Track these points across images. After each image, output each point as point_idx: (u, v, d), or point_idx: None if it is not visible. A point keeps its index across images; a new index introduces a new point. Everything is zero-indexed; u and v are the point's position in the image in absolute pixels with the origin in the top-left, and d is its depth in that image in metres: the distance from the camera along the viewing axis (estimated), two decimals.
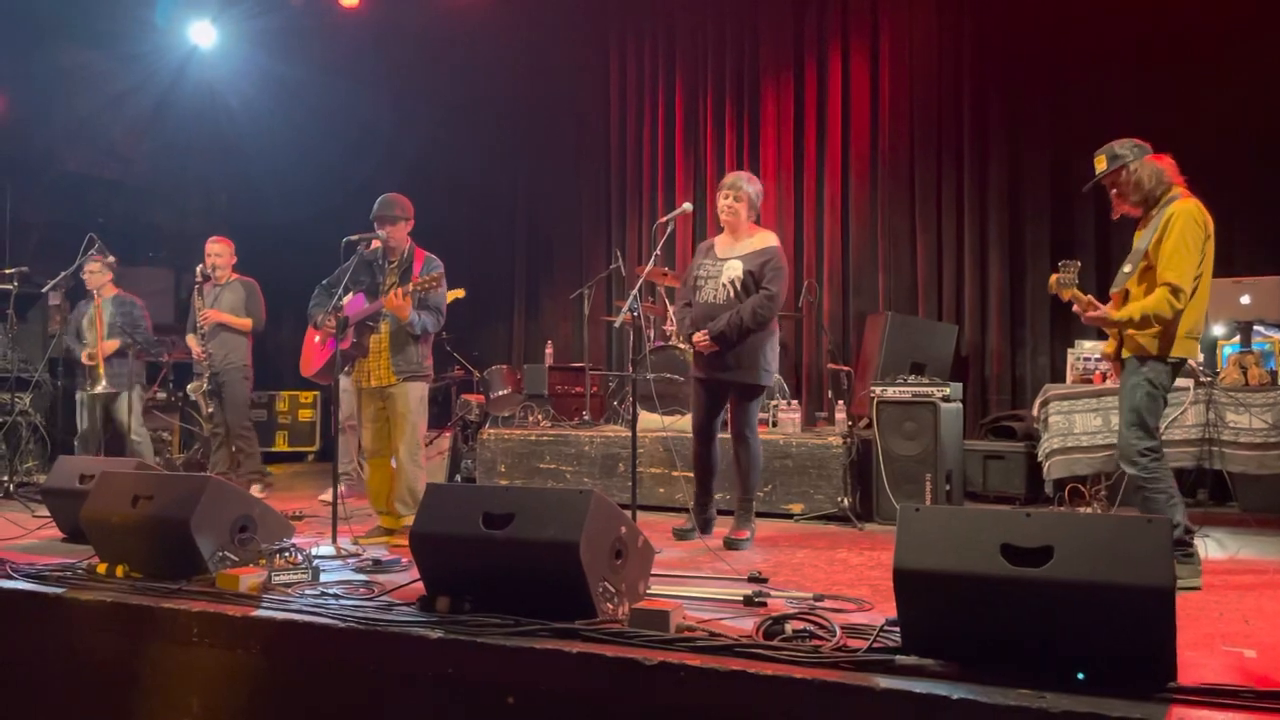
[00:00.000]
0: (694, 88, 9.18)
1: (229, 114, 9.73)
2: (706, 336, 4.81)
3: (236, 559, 3.82)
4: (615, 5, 9.52)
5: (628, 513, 3.71)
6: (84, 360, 7.00)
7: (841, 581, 4.01)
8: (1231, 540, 5.04)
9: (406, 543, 4.74)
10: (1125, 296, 4.05)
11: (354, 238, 4.99)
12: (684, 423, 6.43)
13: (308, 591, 3.59)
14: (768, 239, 4.97)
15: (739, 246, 4.95)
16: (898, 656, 2.66)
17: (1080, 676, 2.46)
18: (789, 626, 2.97)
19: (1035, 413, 5.73)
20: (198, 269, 6.97)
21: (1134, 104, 7.03)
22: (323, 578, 3.82)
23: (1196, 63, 6.89)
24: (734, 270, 4.84)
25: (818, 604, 3.44)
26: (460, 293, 6.73)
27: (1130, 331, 3.99)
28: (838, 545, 5.00)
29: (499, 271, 10.04)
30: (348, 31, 9.71)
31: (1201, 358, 5.22)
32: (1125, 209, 4.14)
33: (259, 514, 4.03)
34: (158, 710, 3.36)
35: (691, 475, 5.28)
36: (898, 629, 2.77)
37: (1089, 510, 5.40)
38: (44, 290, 7.05)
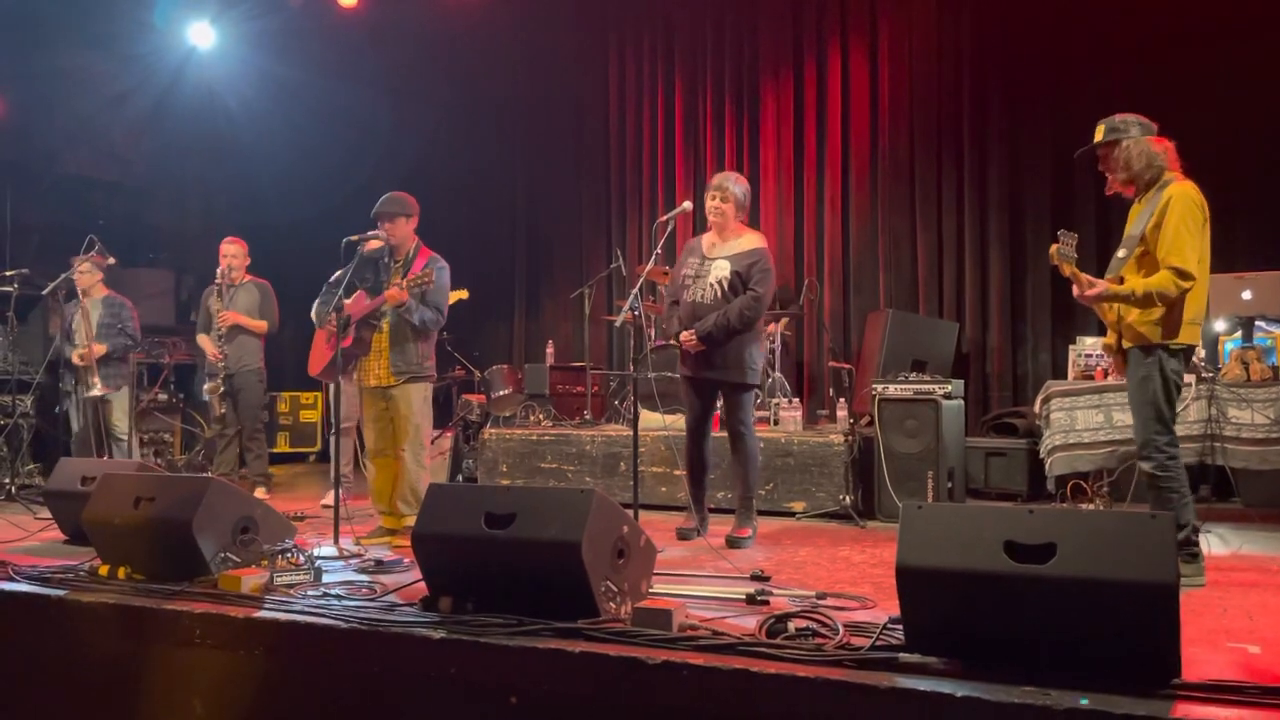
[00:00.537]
0: (693, 86, 9.17)
1: (228, 115, 9.72)
2: (694, 336, 4.84)
3: (238, 560, 3.82)
4: (614, 4, 9.51)
5: (629, 512, 3.70)
6: (75, 360, 7.00)
7: (844, 579, 4.00)
8: (1234, 536, 5.04)
9: (409, 543, 4.76)
10: (1120, 284, 3.98)
11: (354, 238, 4.98)
12: (684, 421, 6.43)
13: (310, 592, 3.59)
14: (755, 240, 5.00)
15: (726, 247, 4.97)
16: (901, 654, 2.66)
17: (1083, 702, 2.43)
18: (792, 625, 2.97)
19: (1037, 409, 5.73)
20: (218, 271, 6.97)
21: (1135, 99, 6.89)
22: (325, 578, 3.81)
23: (1198, 56, 6.87)
24: (721, 270, 4.87)
25: (820, 602, 3.44)
26: (463, 294, 6.72)
27: (1130, 320, 3.92)
28: (840, 543, 5.00)
29: (499, 271, 10.03)
30: (346, 32, 9.70)
31: (1203, 352, 5.22)
32: (1116, 187, 4.09)
33: (261, 515, 4.03)
34: (160, 712, 3.36)
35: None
36: (901, 627, 2.76)
37: (1091, 507, 5.40)
38: (44, 292, 7.04)
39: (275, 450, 9.38)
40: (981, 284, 7.86)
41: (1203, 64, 6.85)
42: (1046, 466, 5.63)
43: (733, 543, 4.86)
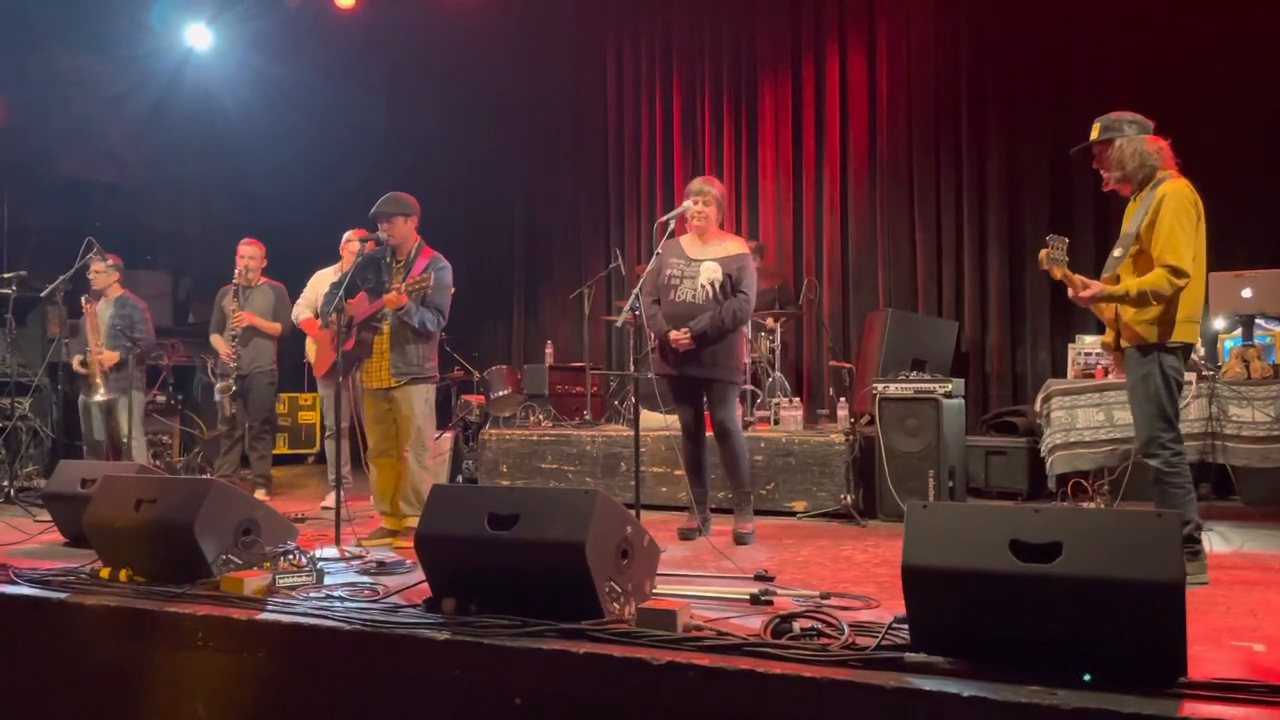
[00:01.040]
0: (691, 86, 9.17)
1: (225, 116, 9.71)
2: (687, 335, 4.91)
3: (240, 562, 3.80)
4: (612, 4, 9.51)
5: (630, 512, 3.69)
6: (75, 367, 6.99)
7: (847, 579, 4.00)
8: (1235, 534, 5.04)
9: (410, 544, 4.75)
10: (1116, 282, 3.99)
11: (360, 237, 4.98)
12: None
13: (312, 594, 3.58)
14: (741, 245, 5.18)
15: (712, 249, 5.09)
16: (906, 654, 2.65)
17: (1086, 678, 2.44)
18: (797, 625, 2.96)
19: (1038, 408, 5.72)
20: (235, 272, 6.95)
21: (1132, 97, 6.90)
22: (327, 580, 3.80)
23: (1197, 53, 6.88)
24: (712, 272, 4.99)
25: (824, 602, 3.43)
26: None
27: (1127, 320, 3.92)
28: (842, 542, 5.00)
29: (498, 272, 10.04)
30: (343, 33, 9.70)
31: (1203, 350, 5.21)
32: (1111, 185, 4.10)
33: (262, 517, 4.02)
34: (164, 715, 3.34)
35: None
36: (906, 626, 2.76)
37: (1092, 505, 5.40)
38: (43, 295, 7.02)
39: (274, 451, 9.34)
40: (980, 283, 7.87)
41: (1203, 56, 6.86)
42: (1047, 465, 5.62)
43: (740, 538, 4.97)
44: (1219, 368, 5.41)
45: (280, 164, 9.61)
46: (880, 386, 5.94)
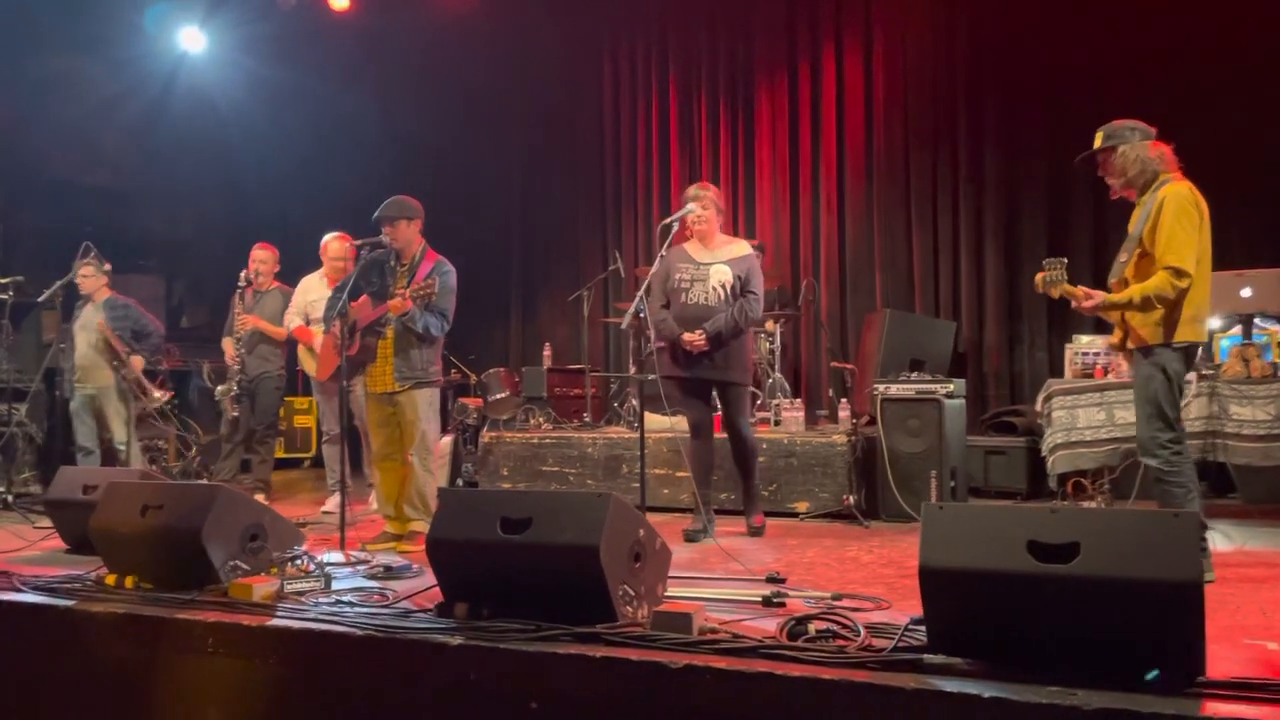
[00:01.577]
0: (688, 87, 9.18)
1: (219, 120, 9.66)
2: (702, 336, 5.02)
3: (248, 568, 3.78)
4: (608, 5, 9.50)
5: (642, 515, 3.68)
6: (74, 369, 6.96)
7: (855, 580, 4.00)
8: (1237, 532, 5.07)
9: (415, 548, 4.74)
10: (1124, 286, 4.02)
11: (358, 242, 4.96)
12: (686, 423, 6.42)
13: (322, 600, 3.56)
14: (745, 247, 5.32)
15: (719, 252, 5.23)
16: (925, 656, 2.65)
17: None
18: (812, 627, 2.96)
19: (1039, 408, 5.74)
20: (241, 274, 6.92)
21: (1130, 97, 7.01)
22: (335, 585, 3.79)
23: (1193, 54, 6.91)
24: (723, 275, 5.12)
25: (836, 603, 3.43)
26: None
27: (1133, 323, 3.96)
28: (846, 543, 5.01)
29: (495, 274, 10.01)
30: (338, 35, 9.66)
31: (1200, 349, 5.24)
32: (1116, 191, 4.14)
33: (269, 522, 4.00)
34: None
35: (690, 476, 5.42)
36: (921, 628, 2.76)
37: (1093, 504, 5.42)
38: (39, 300, 6.97)
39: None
40: (978, 283, 7.89)
41: (1197, 62, 6.89)
42: (1049, 464, 5.64)
43: (755, 531, 5.21)
44: (1217, 367, 5.44)
45: (274, 168, 9.57)
46: (882, 387, 5.96)
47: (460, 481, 7.29)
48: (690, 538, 5.07)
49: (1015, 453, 6.47)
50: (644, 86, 9.41)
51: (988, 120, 7.87)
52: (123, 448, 6.86)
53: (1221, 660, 2.66)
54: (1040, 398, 5.74)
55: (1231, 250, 6.24)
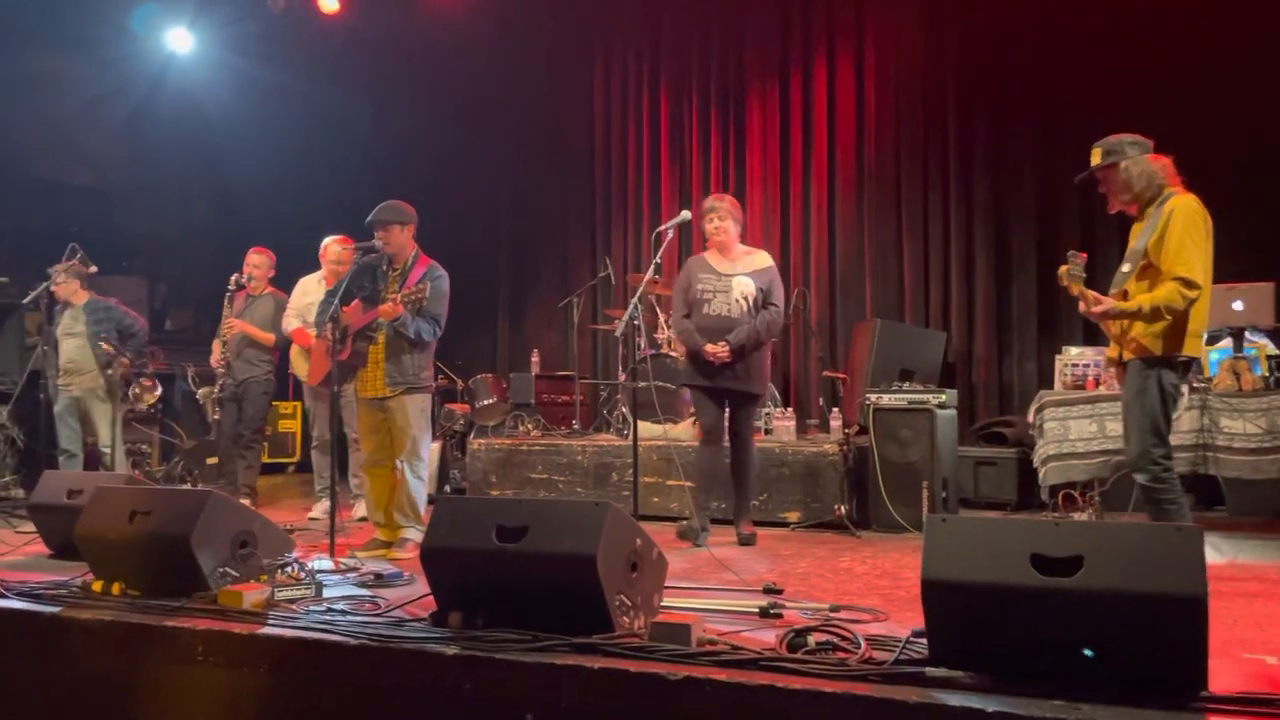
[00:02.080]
0: (679, 96, 9.17)
1: (206, 121, 9.59)
2: (726, 348, 5.08)
3: (238, 575, 3.73)
4: (600, 11, 9.48)
5: (639, 524, 3.65)
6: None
7: (851, 591, 3.98)
8: (1228, 545, 5.07)
9: (406, 555, 4.70)
10: (1124, 297, 4.00)
11: (356, 246, 4.94)
12: (678, 431, 6.41)
13: (313, 608, 3.51)
14: (766, 258, 5.36)
15: (741, 264, 5.26)
16: (927, 669, 2.63)
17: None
18: (811, 639, 2.93)
19: (1031, 419, 5.75)
20: (233, 277, 6.85)
21: (1120, 109, 7.03)
22: (325, 593, 3.74)
23: (1182, 69, 6.93)
24: (746, 286, 5.17)
25: (834, 615, 3.41)
26: None
27: (1133, 333, 3.94)
28: (839, 554, 4.98)
29: (483, 280, 9.95)
30: (327, 39, 9.61)
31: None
32: (1119, 207, 4.13)
33: (259, 529, 3.95)
34: None
35: (690, 484, 5.48)
36: (922, 640, 2.74)
37: (1083, 516, 5.43)
38: (24, 301, 6.88)
39: None
40: (968, 293, 7.90)
41: (1186, 77, 6.89)
42: (1040, 476, 5.65)
43: (746, 540, 5.20)
44: (1208, 380, 5.46)
45: (262, 170, 9.49)
46: (874, 397, 5.95)
47: (448, 488, 7.24)
48: (684, 534, 5.18)
49: (1005, 463, 6.47)
50: (635, 93, 9.40)
51: (978, 131, 7.89)
52: (108, 450, 6.77)
53: (1222, 675, 2.65)
54: (1032, 409, 5.75)
55: (1221, 263, 6.26)
